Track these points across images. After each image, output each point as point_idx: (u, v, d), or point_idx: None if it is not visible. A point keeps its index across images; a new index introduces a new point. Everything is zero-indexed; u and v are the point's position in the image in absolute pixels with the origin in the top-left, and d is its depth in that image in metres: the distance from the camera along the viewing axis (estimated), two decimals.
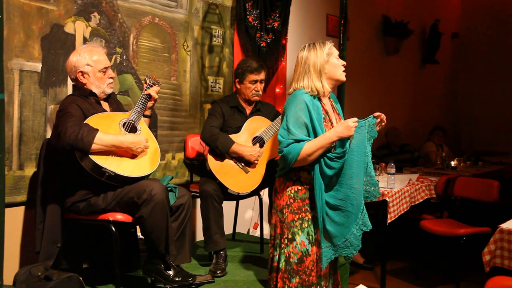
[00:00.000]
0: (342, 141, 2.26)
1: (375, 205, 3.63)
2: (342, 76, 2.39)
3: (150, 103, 2.70)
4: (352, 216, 2.30)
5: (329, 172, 2.27)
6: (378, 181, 3.63)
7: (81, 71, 2.57)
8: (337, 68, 2.36)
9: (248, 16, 3.96)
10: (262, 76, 3.24)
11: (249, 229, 4.14)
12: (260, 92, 3.28)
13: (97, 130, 2.36)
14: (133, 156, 2.51)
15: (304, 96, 2.29)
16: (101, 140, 2.35)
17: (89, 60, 2.57)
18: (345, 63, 2.40)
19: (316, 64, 2.32)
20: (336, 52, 2.37)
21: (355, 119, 2.28)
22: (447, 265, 4.28)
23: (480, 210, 4.28)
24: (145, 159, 2.55)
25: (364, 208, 2.33)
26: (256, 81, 3.22)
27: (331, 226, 2.29)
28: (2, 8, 2.08)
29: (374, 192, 2.36)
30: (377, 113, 2.35)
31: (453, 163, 5.06)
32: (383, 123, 2.36)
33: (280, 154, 2.29)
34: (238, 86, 3.27)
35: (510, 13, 7.16)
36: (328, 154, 2.26)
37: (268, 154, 3.17)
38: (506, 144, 6.68)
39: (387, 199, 3.49)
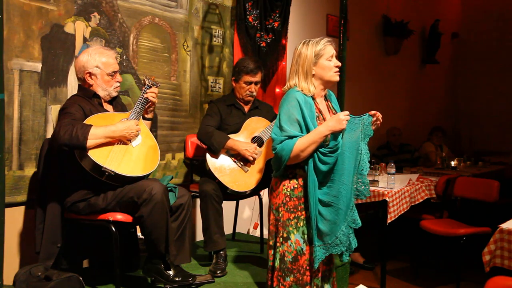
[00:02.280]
0: (335, 135, 2.26)
1: (375, 205, 3.63)
2: (332, 78, 2.35)
3: (150, 106, 2.68)
4: (342, 213, 2.30)
5: (323, 167, 2.27)
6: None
7: (89, 72, 2.56)
8: (326, 70, 2.32)
9: (248, 16, 3.96)
10: (257, 78, 3.23)
11: (249, 229, 4.14)
12: (255, 93, 3.27)
13: (90, 126, 2.36)
14: (133, 155, 2.51)
15: (296, 94, 2.30)
16: (95, 135, 2.35)
17: (99, 62, 2.56)
18: (339, 64, 2.36)
19: (304, 65, 2.32)
20: (329, 53, 2.32)
21: (347, 112, 2.28)
22: (447, 265, 4.27)
23: (480, 210, 4.29)
24: (145, 159, 2.55)
25: (354, 205, 2.33)
26: (251, 83, 3.22)
27: (323, 225, 2.29)
28: (2, 8, 2.08)
29: (364, 191, 2.34)
30: (373, 112, 2.34)
31: (453, 163, 5.06)
32: (379, 122, 2.35)
33: (274, 152, 2.29)
34: (234, 84, 3.28)
35: (510, 13, 7.15)
36: (321, 150, 2.26)
37: (267, 153, 3.17)
38: (506, 144, 6.67)
39: (387, 199, 3.48)
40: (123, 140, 2.49)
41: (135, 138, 2.54)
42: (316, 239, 2.30)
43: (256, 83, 3.24)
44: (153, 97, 2.65)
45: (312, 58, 2.31)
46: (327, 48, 2.33)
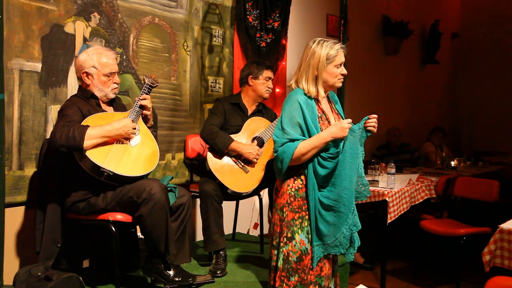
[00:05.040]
0: (336, 142, 2.27)
1: (375, 205, 3.63)
2: (336, 84, 2.38)
3: (146, 112, 2.65)
4: (343, 216, 2.31)
5: (322, 171, 2.28)
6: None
7: (85, 72, 2.56)
8: (332, 77, 2.35)
9: (248, 16, 3.96)
10: (273, 74, 3.32)
11: (249, 229, 4.14)
12: (271, 90, 3.30)
13: (86, 126, 2.36)
14: (132, 155, 2.51)
15: (298, 96, 2.31)
16: (91, 135, 2.34)
17: (96, 63, 2.55)
18: (345, 72, 2.38)
19: (315, 68, 2.33)
20: (339, 60, 2.34)
21: (349, 120, 2.30)
22: (447, 265, 4.27)
23: (480, 210, 4.28)
24: (144, 159, 2.54)
25: (355, 209, 2.35)
26: (270, 78, 3.27)
27: (323, 226, 2.30)
28: (2, 8, 2.08)
29: (365, 192, 2.38)
30: (372, 115, 2.36)
31: (453, 163, 5.06)
32: (371, 126, 2.34)
33: (275, 154, 2.30)
34: (251, 82, 3.26)
35: (510, 13, 7.16)
36: (322, 154, 2.28)
37: (267, 154, 3.17)
38: (506, 144, 6.68)
39: (387, 199, 3.48)
40: (120, 139, 2.49)
41: (133, 137, 2.53)
42: (315, 238, 2.31)
43: (271, 79, 3.30)
44: (148, 104, 2.62)
45: (324, 61, 2.31)
46: (338, 56, 2.34)
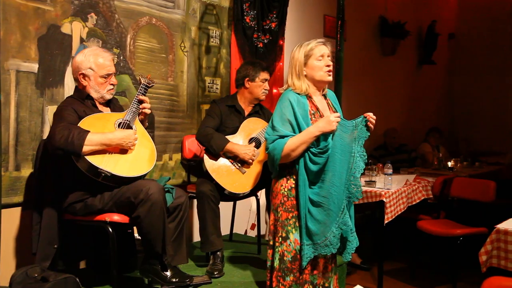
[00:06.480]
0: (325, 136, 2.28)
1: (372, 205, 3.64)
2: (323, 78, 2.37)
3: (142, 116, 2.66)
4: (333, 214, 2.31)
5: (313, 167, 2.29)
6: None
7: (82, 73, 2.55)
8: (315, 70, 2.35)
9: (245, 17, 3.96)
10: (269, 75, 3.31)
11: (246, 230, 4.14)
12: (267, 91, 3.29)
13: (87, 131, 2.34)
14: (130, 156, 2.50)
15: (289, 94, 2.34)
16: (90, 141, 2.33)
17: (93, 64, 2.54)
18: (330, 63, 2.37)
19: (296, 66, 2.37)
20: (318, 53, 2.35)
21: (337, 114, 2.31)
22: (444, 266, 4.28)
23: (476, 210, 4.29)
24: (141, 159, 2.54)
25: (345, 208, 2.34)
26: (266, 80, 3.26)
27: (312, 224, 2.30)
28: None
29: (356, 194, 2.35)
30: (366, 114, 2.36)
31: (450, 164, 5.08)
32: (370, 124, 2.35)
33: (267, 151, 2.33)
34: (247, 85, 3.24)
35: (507, 14, 7.18)
36: (312, 150, 2.29)
37: (264, 155, 3.17)
38: (502, 145, 6.70)
39: (384, 199, 3.49)
40: (121, 149, 2.48)
41: (132, 149, 2.51)
42: (305, 237, 2.31)
43: (268, 81, 3.29)
44: (148, 108, 2.63)
45: (302, 59, 2.36)
46: (316, 49, 2.36)
